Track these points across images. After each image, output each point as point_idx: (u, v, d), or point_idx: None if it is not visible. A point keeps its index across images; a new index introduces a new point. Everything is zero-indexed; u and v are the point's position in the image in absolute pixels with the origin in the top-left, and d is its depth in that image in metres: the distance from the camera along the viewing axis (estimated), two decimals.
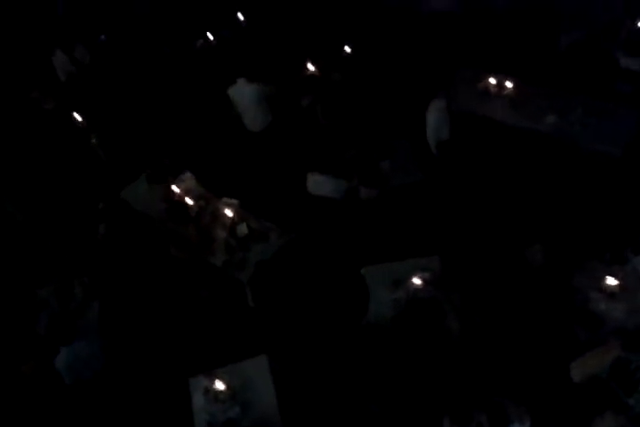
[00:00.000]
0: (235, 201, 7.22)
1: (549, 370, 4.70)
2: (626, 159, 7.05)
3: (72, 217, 7.86)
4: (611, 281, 5.57)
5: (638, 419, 3.76)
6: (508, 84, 7.81)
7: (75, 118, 8.28)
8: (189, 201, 7.24)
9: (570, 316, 5.46)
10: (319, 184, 7.38)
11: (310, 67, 8.46)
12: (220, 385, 5.63)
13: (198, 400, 5.72)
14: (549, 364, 4.78)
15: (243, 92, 8.00)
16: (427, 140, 7.58)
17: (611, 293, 5.57)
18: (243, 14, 9.44)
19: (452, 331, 5.86)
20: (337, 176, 7.27)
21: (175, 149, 8.40)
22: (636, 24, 7.75)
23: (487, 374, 5.66)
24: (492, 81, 7.87)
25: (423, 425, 5.37)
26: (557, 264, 5.87)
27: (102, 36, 9.36)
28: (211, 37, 9.20)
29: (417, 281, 6.09)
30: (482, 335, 5.83)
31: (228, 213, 7.03)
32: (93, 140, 8.27)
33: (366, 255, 6.77)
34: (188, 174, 7.62)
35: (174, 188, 7.35)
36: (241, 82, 7.94)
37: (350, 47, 8.70)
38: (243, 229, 6.97)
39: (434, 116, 7.29)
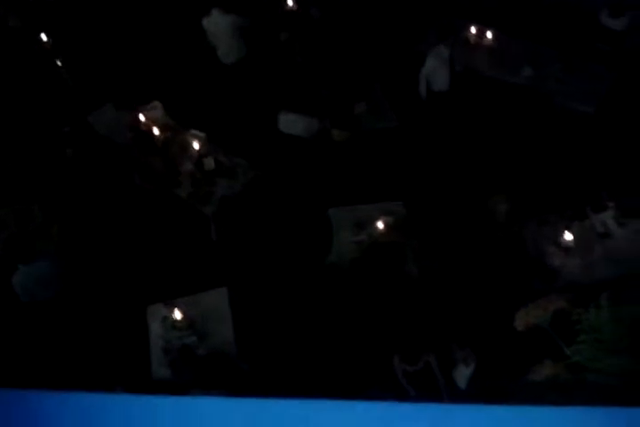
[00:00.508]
0: (202, 134, 7.11)
1: (497, 317, 4.86)
2: (597, 117, 7.12)
3: (36, 140, 7.63)
4: (567, 236, 5.71)
5: (574, 368, 3.94)
6: (489, 35, 7.75)
7: (40, 39, 7.93)
8: (156, 131, 7.10)
9: (525, 267, 5.62)
10: (291, 122, 7.30)
11: (289, 1, 8.23)
12: (177, 314, 5.69)
13: (156, 328, 5.79)
14: (498, 312, 4.93)
15: (217, 23, 7.76)
16: (403, 85, 7.52)
17: (566, 248, 5.73)
18: None
19: (410, 275, 5.98)
20: (309, 115, 7.19)
21: (145, 76, 8.16)
22: None
23: (438, 318, 5.83)
24: (473, 30, 7.79)
25: (373, 363, 5.53)
26: (518, 216, 5.98)
27: None
28: None
29: (380, 225, 6.16)
30: (438, 281, 5.97)
31: (196, 145, 6.93)
32: (59, 63, 7.94)
33: (333, 197, 6.80)
34: (156, 103, 7.44)
35: (141, 116, 7.18)
36: (215, 12, 7.68)
37: None
38: (210, 162, 6.89)
39: (432, 61, 7.15)
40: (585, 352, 3.89)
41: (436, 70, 7.17)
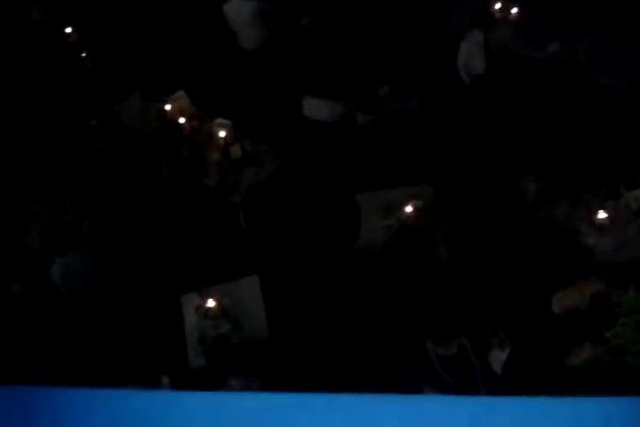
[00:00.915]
0: (228, 122, 7.10)
1: (532, 300, 4.80)
2: (628, 92, 6.95)
3: (63, 133, 7.72)
4: (601, 215, 5.62)
5: (615, 351, 3.88)
6: (513, 10, 7.58)
7: (65, 31, 7.97)
8: (182, 120, 7.12)
9: (559, 247, 5.54)
10: (315, 108, 7.27)
11: None
12: (211, 303, 5.75)
13: (190, 317, 5.87)
14: (533, 294, 4.87)
15: (238, 9, 7.71)
16: (426, 65, 7.41)
17: (600, 227, 5.64)
18: None
19: (440, 259, 5.96)
20: (334, 100, 7.14)
21: (169, 66, 8.17)
22: None
23: (471, 301, 5.80)
24: (497, 5, 7.63)
25: (407, 349, 5.54)
26: (550, 195, 5.89)
27: None
28: None
29: (409, 209, 6.12)
30: (470, 264, 5.93)
31: (222, 134, 6.94)
32: (84, 55, 7.99)
33: (360, 181, 6.76)
34: (181, 93, 7.45)
35: (167, 106, 7.20)
36: None
37: None
38: (236, 150, 6.90)
39: (467, 46, 7.01)
40: (625, 335, 3.82)
41: (471, 55, 7.03)
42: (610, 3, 7.73)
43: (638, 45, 7.13)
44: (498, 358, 4.87)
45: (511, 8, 7.59)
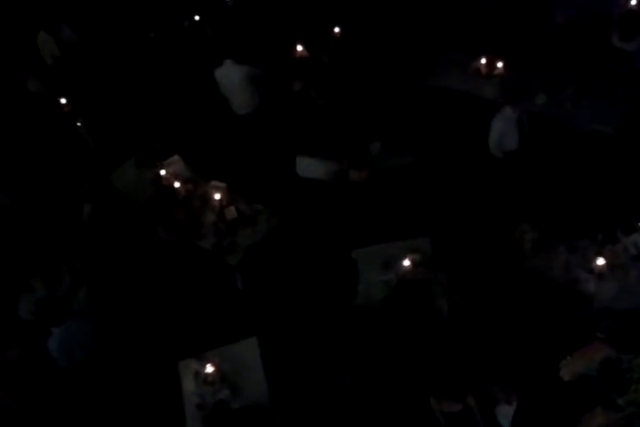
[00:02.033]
0: (223, 184, 7.17)
1: (539, 362, 4.63)
2: (618, 138, 6.99)
3: (60, 202, 7.77)
4: (600, 261, 5.54)
5: (630, 419, 3.69)
6: (499, 64, 7.75)
7: (60, 102, 8.17)
8: (177, 185, 7.17)
9: (558, 295, 5.44)
10: (309, 167, 7.32)
11: (299, 48, 8.37)
12: (209, 368, 5.62)
13: (188, 383, 5.72)
14: (539, 354, 4.71)
15: (229, 74, 7.88)
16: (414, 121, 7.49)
17: (600, 273, 5.56)
18: None
19: (441, 312, 5.84)
20: (327, 158, 7.21)
21: (163, 132, 8.31)
22: (630, 2, 7.63)
23: (476, 356, 5.65)
24: (483, 61, 7.81)
25: (412, 405, 5.36)
26: (547, 243, 5.83)
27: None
28: (197, 18, 9.07)
29: (406, 263, 6.06)
30: (471, 316, 5.82)
31: (217, 196, 6.98)
32: (80, 124, 8.14)
33: (356, 238, 6.73)
34: (175, 158, 7.56)
35: (162, 172, 7.28)
36: (228, 63, 7.82)
37: (340, 28, 8.60)
38: (231, 212, 6.92)
39: (500, 124, 6.91)
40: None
41: (505, 132, 6.92)
42: (593, 51, 7.91)
43: (624, 91, 7.22)
44: (505, 413, 4.70)
45: (496, 63, 7.76)
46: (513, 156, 6.99)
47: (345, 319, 6.21)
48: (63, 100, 8.19)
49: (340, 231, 7.04)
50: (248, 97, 8.03)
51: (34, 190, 7.96)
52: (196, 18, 9.06)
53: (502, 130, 6.87)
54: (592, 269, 5.56)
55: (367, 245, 6.50)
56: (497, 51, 7.92)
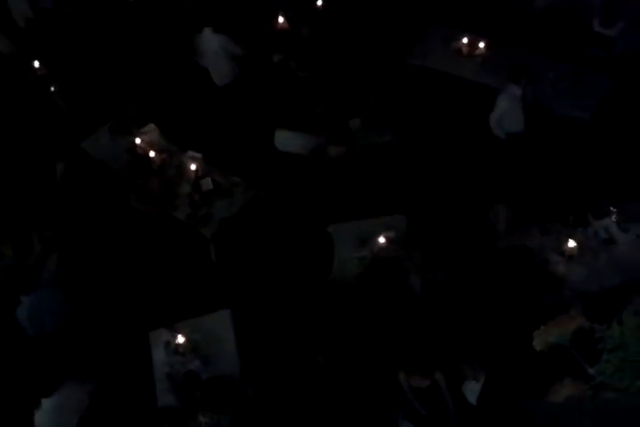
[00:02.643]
0: (199, 155, 7.09)
1: (510, 332, 4.74)
2: (594, 123, 7.08)
3: (32, 167, 7.62)
4: (571, 244, 5.65)
5: (598, 388, 3.78)
6: (481, 44, 7.75)
7: (33, 66, 7.96)
8: (152, 154, 7.08)
9: (530, 277, 5.54)
10: (287, 140, 7.26)
11: (281, 20, 8.25)
12: (180, 338, 5.62)
13: (158, 354, 5.72)
14: (506, 325, 4.82)
15: (208, 43, 7.73)
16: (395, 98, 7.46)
17: (570, 255, 5.66)
18: None
19: (414, 290, 5.91)
20: (305, 133, 7.16)
21: (140, 99, 8.16)
22: None
23: (446, 334, 5.74)
24: (465, 40, 7.80)
25: (380, 381, 5.44)
26: (520, 225, 5.91)
27: None
28: None
29: (382, 240, 6.10)
30: (443, 294, 5.90)
31: (193, 167, 6.91)
32: (53, 89, 7.95)
33: (333, 213, 6.74)
34: (151, 126, 7.44)
35: (138, 140, 7.17)
36: (207, 32, 7.66)
37: (322, 0, 8.49)
38: (207, 183, 6.86)
39: (504, 102, 6.74)
40: (610, 372, 3.73)
41: (508, 111, 6.77)
42: (572, 36, 7.94)
43: (603, 78, 7.29)
44: (472, 389, 4.80)
45: (478, 43, 7.76)
46: (517, 138, 6.91)
47: (318, 294, 6.24)
48: (37, 64, 7.98)
49: (317, 206, 7.03)
50: (226, 67, 7.90)
51: (4, 155, 7.78)
52: None
53: (505, 109, 6.75)
54: (563, 252, 5.67)
55: (343, 220, 6.52)
56: (479, 30, 7.92)
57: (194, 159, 7.02)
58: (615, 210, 5.80)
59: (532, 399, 3.93)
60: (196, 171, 6.92)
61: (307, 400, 5.55)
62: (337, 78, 8.01)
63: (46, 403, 5.15)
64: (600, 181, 6.82)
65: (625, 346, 3.67)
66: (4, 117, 8.14)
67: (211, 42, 7.68)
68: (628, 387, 3.56)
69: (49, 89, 7.96)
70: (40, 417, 5.20)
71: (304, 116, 7.33)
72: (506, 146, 7.00)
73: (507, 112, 6.76)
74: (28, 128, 8.01)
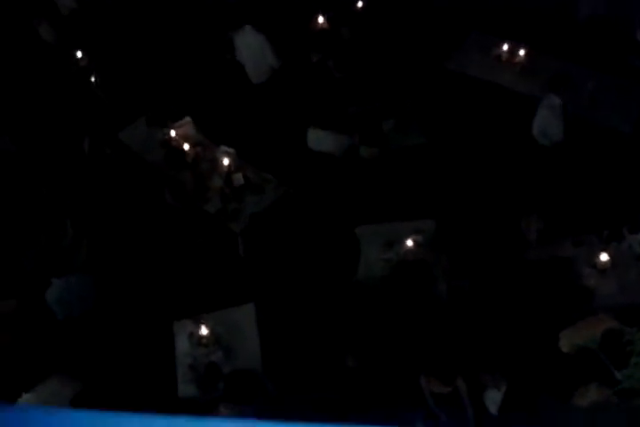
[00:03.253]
0: (232, 150, 7.13)
1: (535, 340, 4.69)
2: (634, 136, 6.97)
3: (67, 156, 7.72)
4: (604, 257, 5.58)
5: (624, 394, 3.72)
6: (521, 52, 7.69)
7: (76, 55, 8.08)
8: (187, 147, 7.14)
9: (560, 288, 5.48)
10: (320, 139, 7.29)
11: (320, 20, 8.28)
12: (204, 330, 5.66)
13: (182, 344, 5.77)
14: (534, 334, 4.77)
15: (248, 40, 7.78)
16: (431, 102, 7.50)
17: (602, 269, 5.59)
18: None
19: (439, 294, 5.88)
20: (338, 132, 7.18)
21: (176, 93, 8.24)
22: None
23: (470, 340, 5.71)
24: (505, 47, 7.75)
25: (401, 384, 5.42)
26: (553, 236, 5.85)
27: None
28: None
29: (409, 243, 6.09)
30: (469, 300, 5.86)
31: (225, 161, 6.95)
32: (93, 79, 8.06)
33: (361, 214, 6.74)
34: (187, 119, 7.51)
35: (172, 133, 7.24)
36: (247, 29, 7.70)
37: (363, 2, 8.51)
38: (239, 178, 6.90)
39: (544, 111, 6.79)
40: (638, 376, 3.66)
41: (549, 121, 6.80)
42: (613, 47, 7.84)
43: None
44: (494, 398, 4.76)
45: (518, 51, 7.70)
46: (560, 146, 6.86)
47: (343, 293, 6.24)
48: (79, 54, 8.10)
49: (346, 207, 7.04)
50: (263, 66, 7.94)
51: (41, 141, 7.90)
52: None
53: (546, 118, 6.75)
54: (595, 265, 5.61)
55: (372, 222, 6.51)
56: (520, 38, 7.86)
57: (227, 154, 7.06)
58: None
59: (556, 404, 3.87)
60: (229, 165, 6.96)
61: (327, 396, 5.55)
62: (373, 80, 8.02)
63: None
64: (637, 194, 6.72)
65: None
66: (45, 107, 8.26)
67: (250, 40, 7.72)
68: None
69: (90, 79, 8.07)
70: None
71: (338, 115, 7.35)
72: (550, 154, 6.94)
73: (547, 121, 6.71)
74: (68, 117, 8.12)
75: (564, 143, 6.81)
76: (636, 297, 5.35)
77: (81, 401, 5.43)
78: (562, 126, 6.74)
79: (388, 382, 5.58)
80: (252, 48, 7.84)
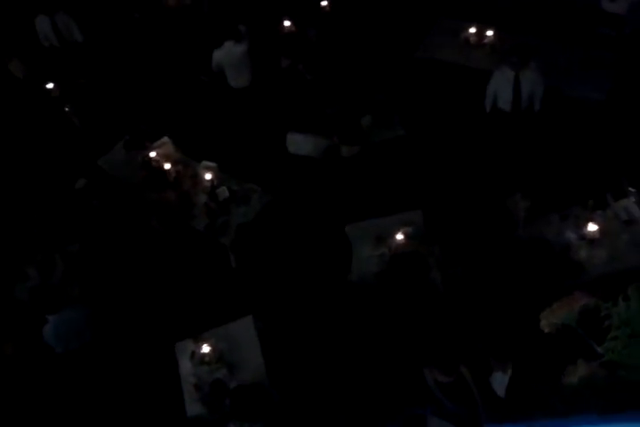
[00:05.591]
0: (213, 164, 7.12)
1: (527, 320, 4.65)
2: (608, 104, 6.92)
3: (50, 189, 7.73)
4: (591, 227, 5.53)
5: (609, 366, 3.70)
6: (489, 33, 7.65)
7: (46, 87, 8.09)
8: (167, 166, 7.12)
9: (552, 264, 5.42)
10: (299, 143, 7.27)
11: (287, 23, 8.27)
12: (206, 348, 5.63)
13: (185, 364, 5.72)
14: (528, 314, 4.72)
15: (230, 53, 7.71)
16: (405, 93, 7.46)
17: (591, 239, 5.54)
18: None
19: (435, 284, 5.83)
20: (317, 134, 7.15)
21: (150, 114, 8.24)
22: None
23: (469, 326, 5.66)
24: (472, 30, 7.71)
25: (406, 379, 5.38)
26: (539, 213, 5.79)
27: None
28: None
29: (400, 236, 6.04)
30: (465, 287, 5.81)
31: (208, 176, 6.94)
32: (67, 109, 8.07)
33: (349, 213, 6.70)
34: (165, 139, 7.50)
35: (152, 154, 7.23)
36: (228, 45, 7.67)
37: (327, 1, 8.49)
38: (223, 192, 6.88)
39: (497, 79, 6.83)
40: (618, 349, 3.65)
41: (500, 88, 6.85)
42: (580, 18, 7.79)
43: (614, 57, 7.13)
44: (500, 381, 4.71)
45: (486, 32, 7.66)
46: (536, 120, 6.87)
47: (339, 295, 6.20)
48: (50, 85, 8.11)
49: (333, 207, 7.00)
50: (247, 72, 7.91)
51: (23, 177, 7.91)
52: None
53: (496, 86, 6.81)
54: (584, 236, 5.55)
55: (360, 220, 6.47)
56: (487, 19, 7.82)
57: (209, 169, 7.05)
58: (634, 190, 5.67)
59: (549, 384, 3.84)
60: (212, 180, 6.94)
61: (332, 400, 5.51)
62: (345, 78, 7.99)
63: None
64: (617, 161, 6.65)
65: (631, 321, 3.58)
66: (21, 139, 8.27)
67: (232, 51, 7.68)
68: (637, 363, 3.46)
69: (63, 109, 8.08)
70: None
71: (315, 118, 7.32)
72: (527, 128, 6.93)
73: (499, 88, 6.76)
74: (45, 148, 8.13)
75: (539, 117, 6.76)
76: (626, 263, 5.31)
77: None
78: (510, 97, 6.75)
79: (392, 377, 5.53)
80: (235, 57, 7.78)
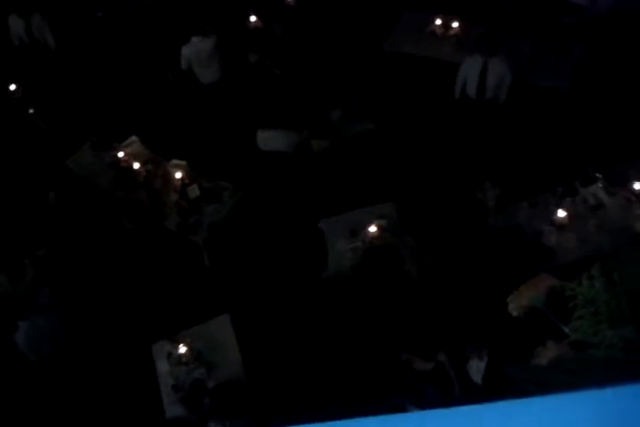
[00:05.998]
0: (183, 162, 7.05)
1: (499, 306, 4.70)
2: (573, 92, 7.00)
3: (18, 193, 7.59)
4: (561, 214, 5.60)
5: (577, 346, 3.75)
6: (454, 25, 7.68)
7: (9, 89, 7.94)
8: (137, 166, 7.04)
9: (524, 251, 5.48)
10: (269, 139, 7.22)
11: (253, 19, 8.21)
12: (182, 348, 5.58)
13: (162, 365, 5.67)
14: (500, 300, 4.78)
15: (199, 49, 7.63)
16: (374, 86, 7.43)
17: (561, 225, 5.61)
18: None
19: (410, 275, 5.86)
20: (287, 130, 7.12)
21: (118, 113, 8.13)
22: None
23: (445, 315, 5.69)
24: (438, 22, 7.73)
25: (384, 369, 5.39)
26: (509, 201, 5.85)
27: None
28: None
29: (373, 229, 6.05)
30: (439, 277, 5.84)
31: (178, 175, 6.87)
32: (31, 111, 7.93)
33: (321, 207, 6.69)
34: (133, 138, 7.40)
35: (120, 153, 7.14)
36: (195, 40, 7.59)
37: None
38: (194, 190, 6.81)
39: (466, 66, 6.87)
40: (584, 328, 3.70)
41: (469, 75, 6.88)
42: (544, 7, 7.86)
43: (576, 45, 7.21)
44: (477, 368, 4.75)
45: (451, 23, 7.69)
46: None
47: (315, 289, 6.19)
48: (13, 87, 7.97)
49: (306, 203, 6.98)
50: (216, 67, 7.83)
51: None
52: None
53: (466, 72, 6.85)
54: (554, 222, 5.62)
55: (333, 214, 6.46)
56: (452, 10, 7.84)
57: (179, 167, 6.97)
58: (601, 176, 5.75)
59: (520, 366, 3.89)
60: (182, 178, 6.87)
61: (314, 393, 5.50)
62: (314, 72, 7.97)
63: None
64: (583, 147, 6.74)
65: (596, 300, 3.63)
66: None
67: (202, 47, 7.61)
68: (603, 341, 3.52)
69: (27, 111, 7.93)
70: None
71: (284, 113, 7.29)
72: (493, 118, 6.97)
73: (468, 76, 6.81)
74: (9, 151, 7.98)
75: (506, 106, 6.82)
76: (595, 248, 5.38)
77: None
78: (476, 86, 6.79)
79: (371, 369, 5.54)
80: (204, 53, 7.69)
